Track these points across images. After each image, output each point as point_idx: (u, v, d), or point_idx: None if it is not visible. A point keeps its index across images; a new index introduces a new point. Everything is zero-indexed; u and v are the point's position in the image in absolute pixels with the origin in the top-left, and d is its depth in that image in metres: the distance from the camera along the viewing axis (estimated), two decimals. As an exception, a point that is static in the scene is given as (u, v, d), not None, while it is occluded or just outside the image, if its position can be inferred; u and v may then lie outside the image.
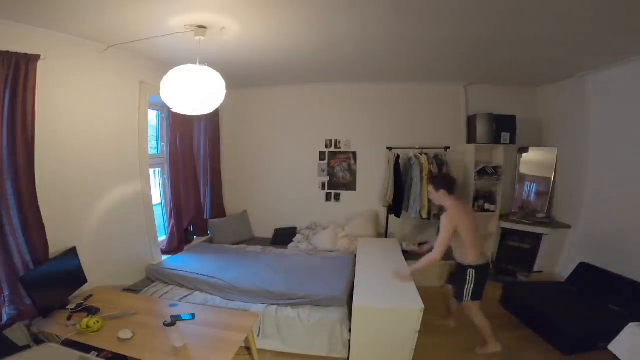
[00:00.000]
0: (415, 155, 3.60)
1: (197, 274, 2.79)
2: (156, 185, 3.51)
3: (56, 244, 2.18)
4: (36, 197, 2.03)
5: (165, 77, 1.99)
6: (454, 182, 2.46)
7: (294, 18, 2.03)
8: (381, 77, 3.63)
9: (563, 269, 3.33)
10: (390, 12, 1.92)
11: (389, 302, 2.10)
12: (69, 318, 1.99)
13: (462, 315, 2.96)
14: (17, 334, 1.92)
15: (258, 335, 2.37)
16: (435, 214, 3.50)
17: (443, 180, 2.46)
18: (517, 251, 3.72)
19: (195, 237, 3.85)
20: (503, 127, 3.60)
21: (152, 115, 3.36)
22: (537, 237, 3.54)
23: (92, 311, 2.06)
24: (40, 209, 2.05)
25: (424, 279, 2.87)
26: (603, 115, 3.06)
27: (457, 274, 2.46)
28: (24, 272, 1.97)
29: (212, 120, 3.96)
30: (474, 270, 2.32)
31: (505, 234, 3.78)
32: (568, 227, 3.39)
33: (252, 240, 4.09)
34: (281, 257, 3.38)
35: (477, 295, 2.35)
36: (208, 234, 4.00)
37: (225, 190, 4.36)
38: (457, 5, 1.82)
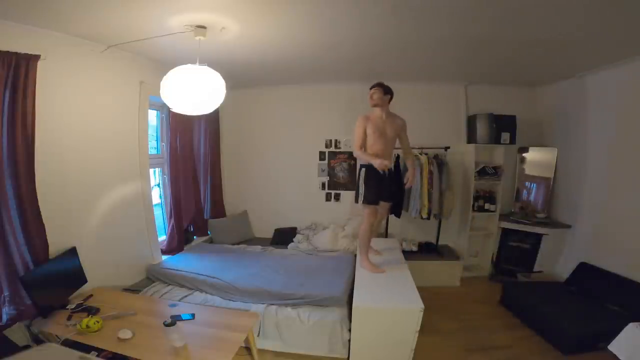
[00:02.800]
0: (415, 155, 3.60)
1: (197, 273, 2.79)
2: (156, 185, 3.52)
3: (56, 244, 2.18)
4: (36, 197, 2.03)
5: (165, 77, 2.00)
6: (392, 97, 2.58)
7: (294, 18, 2.03)
8: (381, 77, 3.59)
9: (563, 269, 3.32)
10: (390, 12, 1.92)
11: (389, 302, 2.09)
12: (69, 318, 1.99)
13: (462, 315, 2.97)
14: (17, 334, 1.93)
15: (258, 335, 2.37)
16: (435, 213, 3.50)
17: (391, 89, 2.54)
18: (517, 251, 3.71)
19: (195, 237, 3.85)
20: (503, 127, 3.60)
21: (152, 115, 3.36)
22: (537, 237, 3.54)
23: (92, 311, 2.06)
24: (40, 209, 2.05)
25: (424, 279, 2.87)
26: (603, 115, 3.06)
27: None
28: (24, 272, 1.97)
29: (212, 120, 3.96)
30: (364, 169, 2.41)
31: (505, 234, 3.78)
32: (568, 227, 3.39)
33: (252, 240, 4.09)
34: (281, 257, 3.38)
35: (370, 197, 2.40)
36: (208, 234, 4.00)
37: (225, 190, 4.35)
38: (456, 5, 1.82)
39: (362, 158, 2.45)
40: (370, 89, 2.51)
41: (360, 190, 2.43)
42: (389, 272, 2.51)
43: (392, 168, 2.53)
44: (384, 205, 2.68)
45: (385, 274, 2.46)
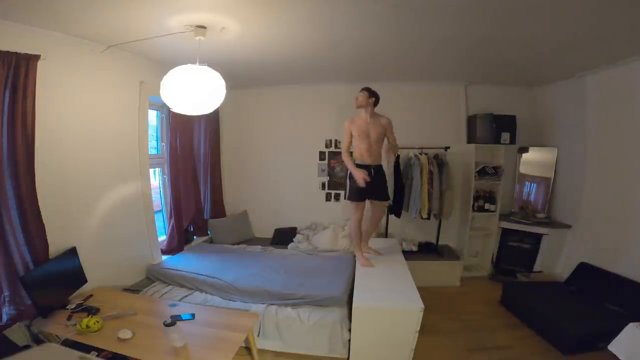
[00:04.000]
0: (415, 155, 3.60)
1: (197, 273, 2.79)
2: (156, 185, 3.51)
3: (56, 244, 2.18)
4: (36, 197, 2.03)
5: (165, 77, 2.00)
6: (378, 101, 2.65)
7: (295, 18, 2.03)
8: (381, 77, 3.63)
9: (563, 269, 3.33)
10: (390, 11, 1.92)
11: (389, 302, 2.10)
12: (69, 318, 1.99)
13: (462, 315, 2.97)
14: (17, 334, 1.93)
15: (258, 335, 2.37)
16: (435, 213, 3.50)
17: (376, 93, 2.63)
18: (517, 251, 3.71)
19: (195, 237, 3.85)
20: (503, 127, 3.60)
21: (152, 115, 3.36)
22: (537, 237, 3.54)
23: (92, 311, 2.06)
24: (40, 209, 2.05)
25: (424, 279, 2.87)
26: (603, 115, 3.06)
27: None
28: (24, 272, 1.97)
29: (212, 120, 3.96)
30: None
31: (505, 234, 3.78)
32: (568, 227, 3.39)
33: (252, 240, 4.09)
34: (281, 257, 3.38)
35: (353, 195, 2.62)
36: (208, 234, 4.00)
37: (225, 190, 4.35)
38: (457, 4, 1.82)
39: (346, 163, 2.61)
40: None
41: (347, 188, 2.68)
42: (389, 272, 2.51)
43: (375, 168, 2.67)
44: (376, 204, 2.78)
45: (385, 274, 2.47)
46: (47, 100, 2.10)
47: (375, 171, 2.62)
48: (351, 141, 2.62)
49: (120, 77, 2.69)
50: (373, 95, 2.60)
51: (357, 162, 2.62)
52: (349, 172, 2.63)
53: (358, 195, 2.59)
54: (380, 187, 2.71)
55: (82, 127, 2.41)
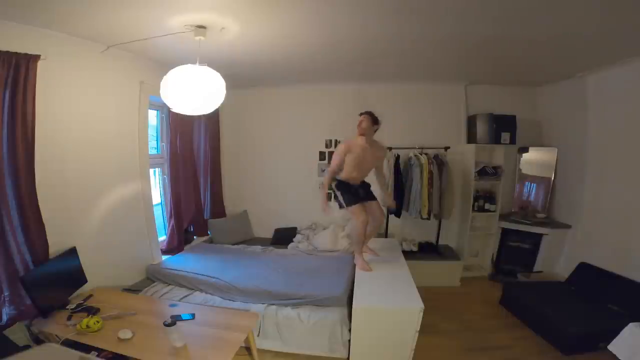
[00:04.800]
0: (415, 155, 3.60)
1: (197, 273, 2.79)
2: (156, 185, 3.52)
3: (56, 244, 2.18)
4: (36, 197, 2.03)
5: (165, 77, 2.00)
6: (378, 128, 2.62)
7: (295, 18, 2.03)
8: (381, 77, 3.63)
9: (563, 269, 3.33)
10: (390, 11, 1.92)
11: (389, 302, 2.09)
12: (69, 318, 1.99)
13: (462, 315, 2.97)
14: (17, 334, 1.93)
15: (258, 335, 2.37)
16: (435, 213, 3.50)
17: (379, 120, 2.58)
18: (517, 251, 3.71)
19: (195, 237, 3.85)
20: (503, 127, 3.59)
21: (152, 115, 3.36)
22: (537, 237, 3.54)
23: (92, 311, 2.06)
24: (40, 209, 2.05)
25: (424, 279, 2.87)
26: (603, 115, 3.06)
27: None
28: (24, 272, 1.97)
29: (212, 120, 3.96)
30: (335, 182, 2.66)
31: (505, 234, 3.78)
32: (568, 227, 3.39)
33: (252, 240, 4.09)
34: (281, 257, 3.38)
35: (348, 201, 2.59)
36: (208, 234, 4.00)
37: (225, 190, 4.35)
38: (457, 5, 1.82)
39: (325, 182, 2.70)
40: (360, 115, 2.57)
41: (339, 199, 2.65)
42: (389, 272, 2.51)
43: (361, 184, 2.76)
44: (372, 204, 2.74)
45: (385, 274, 2.46)
46: (47, 100, 2.10)
47: (360, 186, 2.70)
48: (341, 164, 2.57)
49: (120, 77, 2.69)
50: (376, 123, 2.54)
51: (343, 180, 2.63)
52: (334, 186, 2.67)
53: (354, 198, 2.58)
54: (367, 190, 2.76)
55: (82, 127, 2.41)
